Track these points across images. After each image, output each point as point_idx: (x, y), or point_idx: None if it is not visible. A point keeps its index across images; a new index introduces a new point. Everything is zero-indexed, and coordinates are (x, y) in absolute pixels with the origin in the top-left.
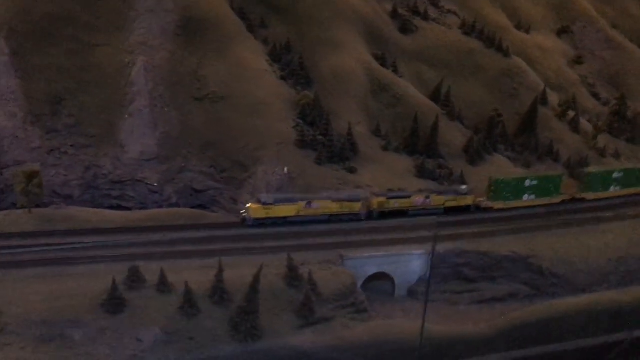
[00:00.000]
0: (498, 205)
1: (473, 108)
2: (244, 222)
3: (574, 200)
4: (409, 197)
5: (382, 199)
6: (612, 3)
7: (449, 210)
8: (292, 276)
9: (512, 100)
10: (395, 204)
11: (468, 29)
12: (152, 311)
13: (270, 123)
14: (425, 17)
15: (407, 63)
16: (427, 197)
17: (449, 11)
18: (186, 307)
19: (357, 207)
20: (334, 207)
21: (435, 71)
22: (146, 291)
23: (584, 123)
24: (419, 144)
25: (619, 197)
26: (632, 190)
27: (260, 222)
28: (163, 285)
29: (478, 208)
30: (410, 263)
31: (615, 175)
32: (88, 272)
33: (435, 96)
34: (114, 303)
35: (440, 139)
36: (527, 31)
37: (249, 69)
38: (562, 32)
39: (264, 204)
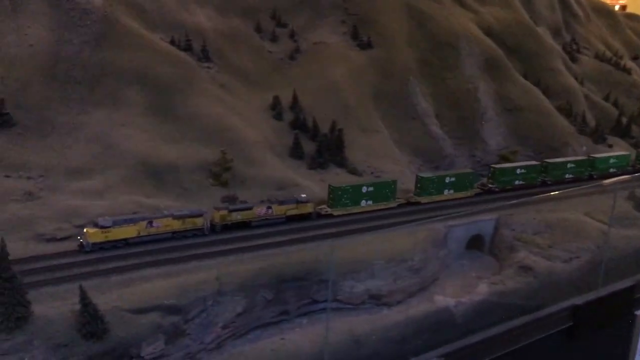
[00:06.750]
0: (337, 212)
1: None
2: (81, 248)
3: (409, 204)
4: (251, 208)
5: (223, 212)
6: None
7: (291, 219)
8: None
9: None
10: (237, 217)
11: None
12: None
13: (555, 121)
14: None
15: None
16: (269, 208)
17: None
18: None
19: (199, 222)
20: (175, 224)
21: None
22: None
23: None
24: None
25: (451, 200)
26: (462, 194)
27: (99, 247)
28: None
29: (319, 215)
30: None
31: (448, 179)
32: None
33: None
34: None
35: None
36: None
37: (529, 90)
38: None
39: (102, 227)
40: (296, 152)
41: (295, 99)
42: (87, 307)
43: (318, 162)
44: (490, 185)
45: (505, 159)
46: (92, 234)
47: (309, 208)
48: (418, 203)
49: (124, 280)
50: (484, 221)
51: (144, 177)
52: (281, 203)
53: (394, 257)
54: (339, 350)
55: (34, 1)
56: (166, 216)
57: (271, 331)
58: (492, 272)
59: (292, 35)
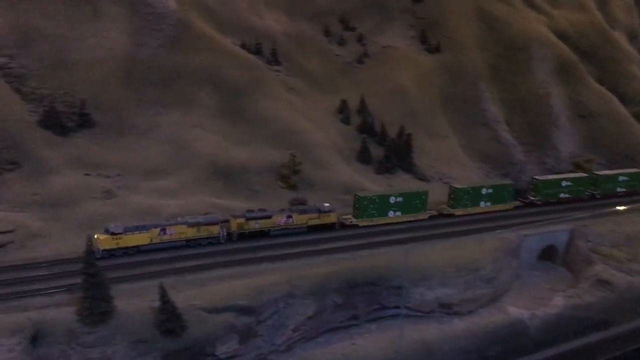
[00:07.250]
0: (363, 222)
1: None
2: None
3: (441, 216)
4: (270, 217)
5: (241, 220)
6: None
7: (312, 229)
8: None
9: None
10: (255, 225)
11: None
12: None
13: (632, 128)
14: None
15: None
16: (290, 217)
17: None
18: None
19: (215, 230)
20: (190, 232)
21: None
22: None
23: None
24: None
25: (488, 212)
26: (500, 207)
27: (110, 254)
28: None
29: (343, 225)
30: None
31: (484, 191)
32: None
33: None
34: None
35: None
36: None
37: (605, 96)
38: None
39: (113, 233)
40: (364, 157)
41: (362, 102)
42: (167, 305)
43: (386, 167)
44: (532, 198)
45: (579, 167)
46: (102, 240)
47: (332, 218)
48: (451, 215)
49: (199, 280)
50: (558, 232)
51: (215, 178)
52: (302, 212)
53: (464, 266)
54: (411, 358)
55: (113, 6)
56: (180, 223)
57: (340, 335)
58: (566, 285)
59: (360, 39)
